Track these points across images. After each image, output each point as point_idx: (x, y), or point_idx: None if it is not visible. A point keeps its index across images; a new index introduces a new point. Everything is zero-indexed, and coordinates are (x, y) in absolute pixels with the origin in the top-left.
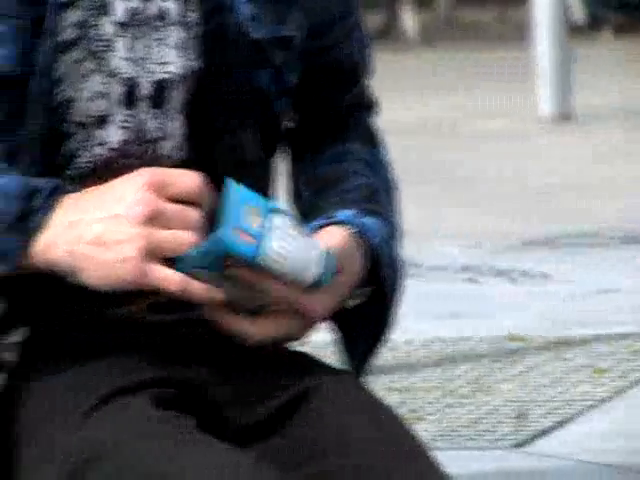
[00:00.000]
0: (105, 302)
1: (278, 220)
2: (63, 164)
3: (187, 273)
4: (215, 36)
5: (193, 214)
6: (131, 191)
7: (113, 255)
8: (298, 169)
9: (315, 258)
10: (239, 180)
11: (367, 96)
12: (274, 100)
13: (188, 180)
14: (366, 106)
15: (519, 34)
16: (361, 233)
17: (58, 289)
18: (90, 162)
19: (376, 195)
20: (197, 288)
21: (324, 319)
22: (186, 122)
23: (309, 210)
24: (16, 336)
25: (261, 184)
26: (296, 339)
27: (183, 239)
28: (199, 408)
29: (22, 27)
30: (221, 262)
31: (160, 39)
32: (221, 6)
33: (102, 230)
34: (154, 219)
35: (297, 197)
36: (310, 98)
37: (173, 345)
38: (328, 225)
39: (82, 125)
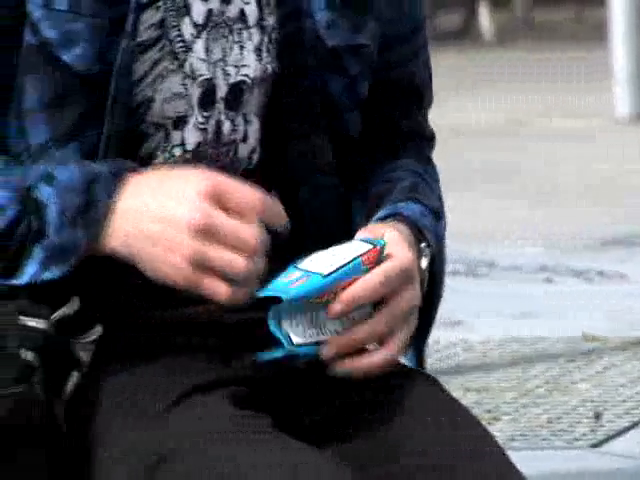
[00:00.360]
0: (179, 302)
1: (305, 261)
2: (141, 166)
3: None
4: (291, 40)
5: (250, 235)
6: (191, 195)
7: (164, 257)
8: (352, 191)
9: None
10: (310, 188)
11: (427, 128)
12: (346, 111)
13: (250, 196)
14: (426, 138)
15: (596, 34)
16: (395, 213)
17: (132, 288)
18: (165, 164)
19: (416, 187)
20: (243, 295)
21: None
22: (260, 125)
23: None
24: (92, 335)
25: (333, 195)
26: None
27: (235, 262)
28: (274, 406)
29: (99, 26)
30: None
31: (238, 41)
32: (298, 11)
33: (157, 229)
34: (208, 232)
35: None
36: (370, 115)
37: (246, 344)
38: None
39: (160, 126)
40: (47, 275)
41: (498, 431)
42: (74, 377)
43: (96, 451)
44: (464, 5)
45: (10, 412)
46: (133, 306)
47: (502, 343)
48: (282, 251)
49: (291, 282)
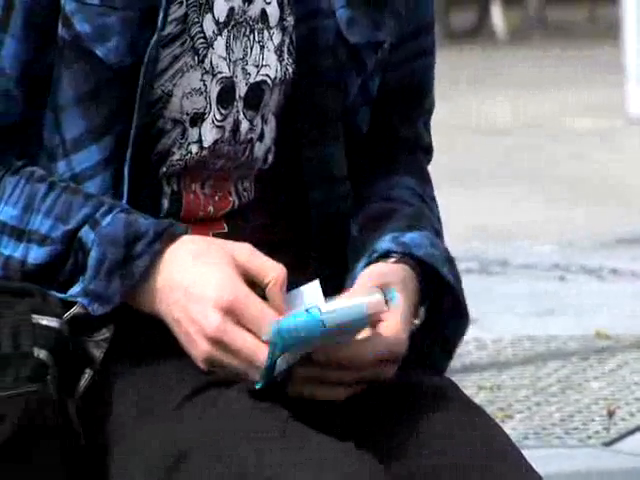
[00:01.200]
0: None
1: (321, 302)
2: (158, 162)
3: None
4: (310, 40)
5: (259, 353)
6: (209, 304)
7: (186, 342)
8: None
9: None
10: (319, 196)
11: (426, 139)
12: (359, 109)
13: (265, 317)
14: (423, 149)
15: (609, 33)
16: (404, 253)
17: None
18: (181, 160)
19: (420, 216)
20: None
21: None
22: (277, 125)
23: (357, 248)
24: (105, 334)
25: (341, 204)
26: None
27: (247, 372)
28: (290, 401)
29: (130, 18)
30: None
31: (259, 41)
32: (316, 10)
33: (181, 317)
34: (221, 343)
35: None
36: (371, 117)
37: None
38: (371, 263)
39: (177, 122)
40: (86, 303)
41: (511, 429)
42: (87, 375)
43: (112, 450)
44: (477, 4)
45: (24, 411)
46: None
47: (515, 341)
48: (289, 259)
49: (296, 316)
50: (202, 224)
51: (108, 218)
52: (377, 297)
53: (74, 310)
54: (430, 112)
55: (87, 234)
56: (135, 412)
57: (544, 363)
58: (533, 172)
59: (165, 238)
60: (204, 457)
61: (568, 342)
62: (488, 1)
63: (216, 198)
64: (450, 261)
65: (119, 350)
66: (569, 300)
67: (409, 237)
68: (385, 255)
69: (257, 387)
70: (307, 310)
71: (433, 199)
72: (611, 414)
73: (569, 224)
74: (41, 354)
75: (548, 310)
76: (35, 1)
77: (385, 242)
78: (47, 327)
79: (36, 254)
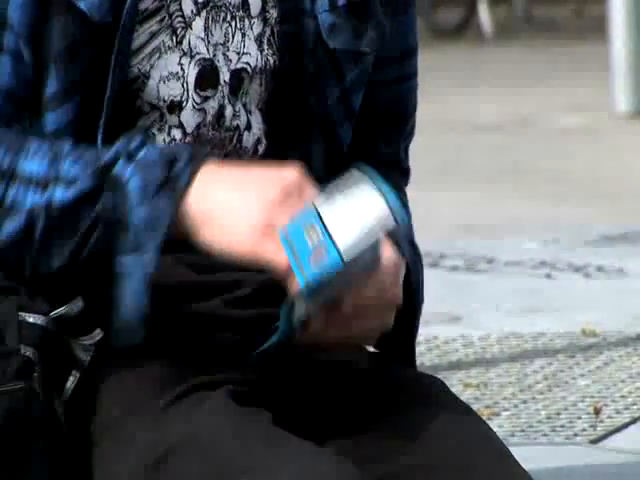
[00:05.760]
0: (182, 297)
1: (327, 215)
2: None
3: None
4: (292, 38)
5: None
6: (273, 176)
7: (239, 212)
8: None
9: (372, 205)
10: None
11: (404, 161)
12: (340, 121)
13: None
14: (402, 170)
15: (596, 29)
16: None
17: None
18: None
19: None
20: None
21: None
22: (263, 119)
23: None
24: (93, 339)
25: None
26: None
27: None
28: (274, 404)
29: None
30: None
31: (240, 28)
32: (300, 10)
33: (237, 189)
34: (283, 204)
35: None
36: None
37: (249, 341)
38: None
39: (154, 107)
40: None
41: (497, 427)
42: (74, 376)
43: (97, 448)
44: (464, 2)
45: (10, 408)
46: None
47: (501, 339)
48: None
49: (312, 250)
50: None
51: (143, 150)
52: (385, 212)
53: (62, 310)
54: (411, 136)
55: (123, 168)
56: (121, 412)
57: (531, 360)
58: (519, 169)
59: (201, 157)
60: (188, 455)
61: (555, 339)
62: None
63: None
64: (416, 252)
65: (108, 349)
66: (556, 297)
67: None
68: None
69: (274, 340)
70: (326, 243)
71: (408, 216)
72: (598, 411)
73: (555, 221)
74: (27, 351)
75: (535, 307)
76: None
77: None
78: (33, 324)
79: (62, 196)
